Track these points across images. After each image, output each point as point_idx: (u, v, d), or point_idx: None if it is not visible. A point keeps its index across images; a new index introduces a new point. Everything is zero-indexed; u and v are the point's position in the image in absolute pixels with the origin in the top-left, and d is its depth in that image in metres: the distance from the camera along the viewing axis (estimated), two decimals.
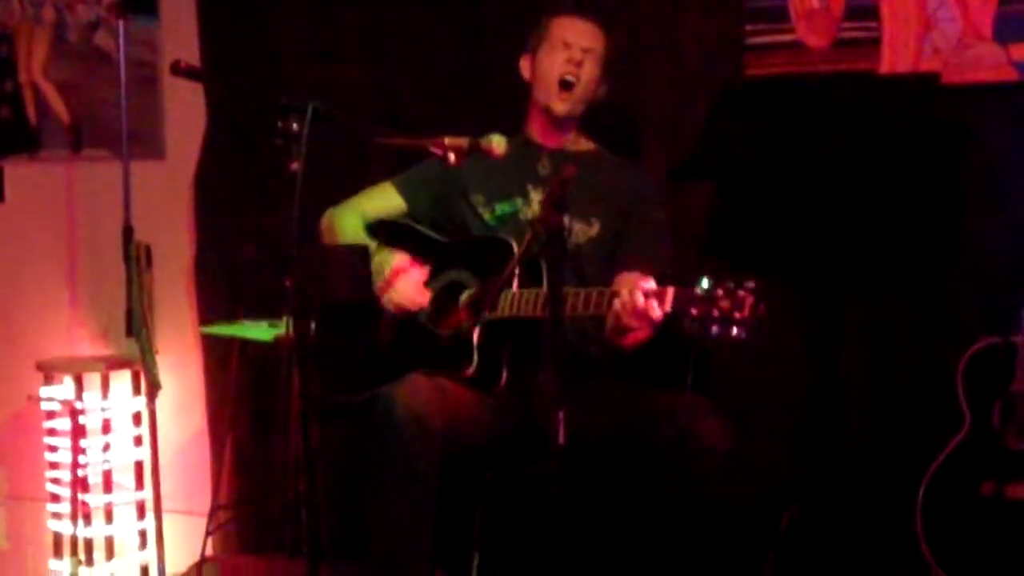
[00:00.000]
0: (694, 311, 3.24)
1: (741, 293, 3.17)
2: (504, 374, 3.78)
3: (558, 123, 4.10)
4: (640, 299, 3.36)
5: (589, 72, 4.05)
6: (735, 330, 3.18)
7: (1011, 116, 4.07)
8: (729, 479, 3.63)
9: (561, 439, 3.02)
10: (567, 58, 4.03)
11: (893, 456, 4.28)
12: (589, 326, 3.87)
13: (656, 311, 3.34)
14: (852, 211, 4.30)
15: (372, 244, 4.08)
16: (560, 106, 4.05)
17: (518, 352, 3.78)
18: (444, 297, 3.97)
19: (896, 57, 4.24)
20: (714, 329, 3.20)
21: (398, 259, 4.00)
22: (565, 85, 4.03)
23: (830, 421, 4.40)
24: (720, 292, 3.19)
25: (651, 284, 3.37)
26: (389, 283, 3.97)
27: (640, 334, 3.56)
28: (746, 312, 3.16)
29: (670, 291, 3.33)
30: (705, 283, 3.21)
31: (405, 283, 3.97)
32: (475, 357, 3.75)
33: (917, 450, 4.01)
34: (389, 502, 3.67)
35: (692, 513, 3.65)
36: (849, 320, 4.37)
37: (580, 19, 4.10)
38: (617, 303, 3.43)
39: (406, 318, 3.97)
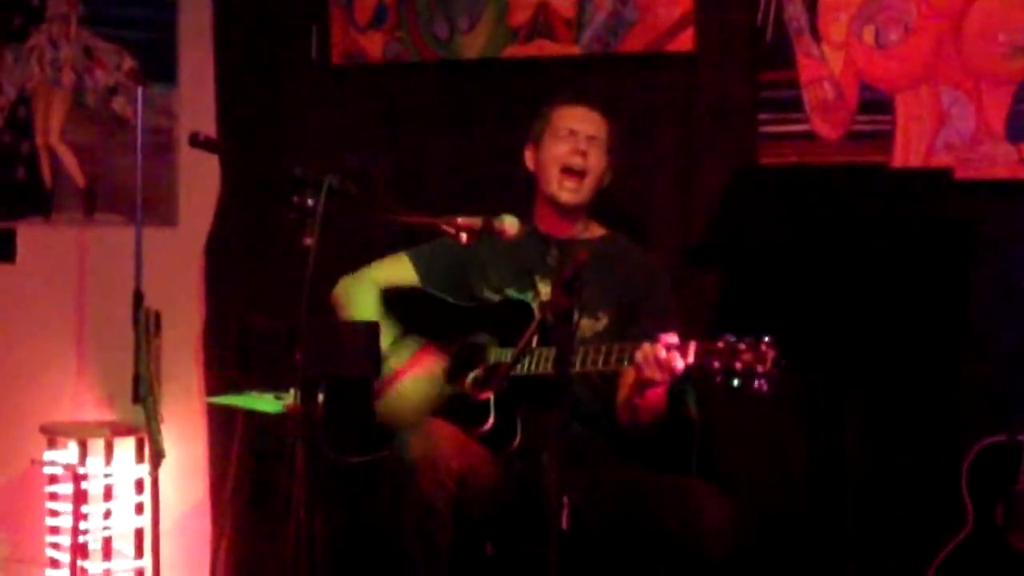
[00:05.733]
0: (716, 364, 3.30)
1: (763, 347, 3.24)
2: (518, 435, 3.78)
3: (565, 212, 4.11)
4: (662, 351, 3.41)
5: (595, 160, 4.07)
6: (757, 383, 3.24)
7: (1021, 213, 4.07)
8: (733, 564, 3.62)
9: (564, 525, 3.02)
10: (572, 148, 4.05)
11: (895, 549, 4.26)
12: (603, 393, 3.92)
13: (679, 363, 3.39)
14: (861, 301, 4.29)
15: (390, 335, 4.08)
16: (565, 195, 4.06)
17: (533, 412, 3.77)
18: (462, 358, 3.97)
19: (909, 151, 4.25)
20: (736, 382, 3.26)
21: (396, 364, 4.02)
22: (571, 171, 4.04)
23: (833, 509, 4.38)
24: (742, 346, 3.26)
25: (674, 338, 3.42)
26: (385, 388, 3.99)
27: (660, 389, 3.60)
28: (768, 365, 3.23)
29: (693, 344, 3.38)
30: (728, 337, 3.27)
31: (401, 394, 4.00)
32: (491, 414, 3.76)
33: (919, 545, 3.99)
34: (404, 544, 3.64)
35: None
36: (855, 410, 4.35)
37: (583, 107, 4.12)
38: (639, 354, 3.46)
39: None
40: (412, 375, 4.02)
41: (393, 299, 4.17)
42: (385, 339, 4.00)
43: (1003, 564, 3.73)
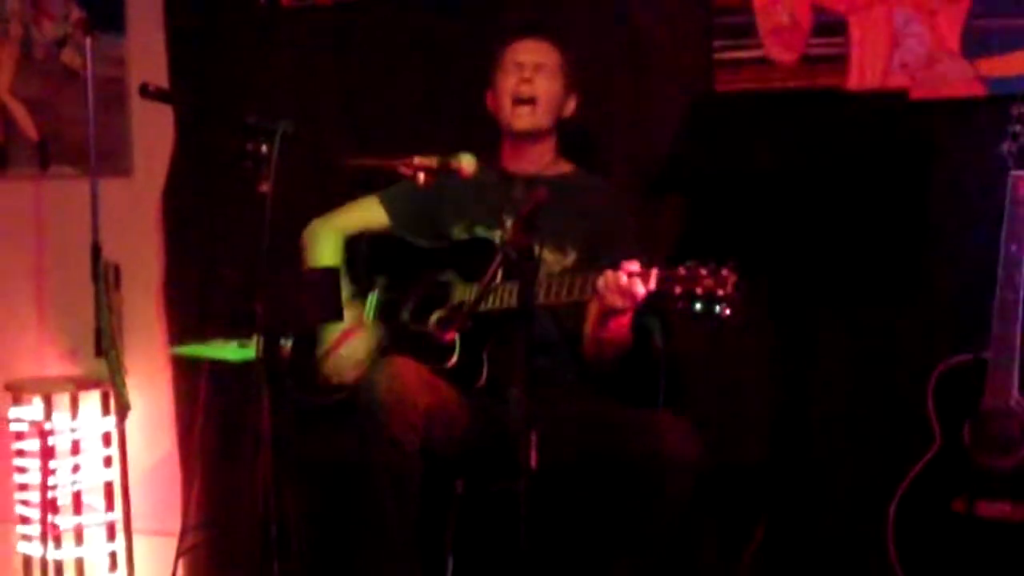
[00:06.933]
0: (678, 289, 3.32)
1: (724, 272, 3.26)
2: (484, 371, 3.80)
3: (525, 142, 4.12)
4: (624, 278, 3.44)
5: (545, 86, 4.08)
6: (718, 307, 3.26)
7: (979, 131, 4.07)
8: (699, 493, 3.63)
9: (533, 462, 3.03)
10: (518, 78, 4.07)
11: (864, 470, 4.28)
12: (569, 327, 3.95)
13: (640, 288, 3.41)
14: (821, 225, 4.30)
15: (344, 291, 4.08)
16: (519, 122, 4.08)
17: (499, 349, 3.79)
18: (428, 297, 3.97)
19: (864, 73, 4.24)
20: (698, 307, 3.28)
21: (347, 323, 4.02)
22: (520, 101, 4.06)
23: (801, 435, 4.40)
24: (704, 271, 3.29)
25: (635, 265, 3.44)
26: (334, 348, 3.99)
27: (623, 319, 3.63)
28: (729, 289, 3.26)
29: (654, 270, 3.41)
30: (689, 263, 3.31)
31: (346, 353, 3.99)
32: (457, 349, 3.76)
33: (889, 465, 4.01)
34: (373, 484, 3.66)
35: (661, 528, 3.67)
36: (820, 334, 4.37)
37: (530, 39, 4.14)
38: (601, 281, 3.50)
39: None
40: (359, 335, 4.01)
41: (359, 244, 4.18)
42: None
43: (971, 481, 3.75)
